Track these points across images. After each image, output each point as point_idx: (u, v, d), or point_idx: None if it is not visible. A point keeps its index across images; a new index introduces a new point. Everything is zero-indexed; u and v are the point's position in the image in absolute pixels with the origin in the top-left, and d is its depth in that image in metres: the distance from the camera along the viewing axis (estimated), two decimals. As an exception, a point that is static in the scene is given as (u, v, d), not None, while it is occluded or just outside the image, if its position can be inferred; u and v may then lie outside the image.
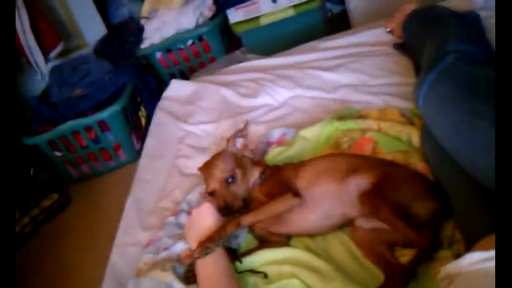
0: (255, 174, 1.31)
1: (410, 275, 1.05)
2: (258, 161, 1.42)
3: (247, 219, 1.19)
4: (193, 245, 1.19)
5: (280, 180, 1.28)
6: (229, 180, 1.23)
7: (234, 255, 1.23)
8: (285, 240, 1.27)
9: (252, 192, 1.28)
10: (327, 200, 1.21)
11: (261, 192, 1.28)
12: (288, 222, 1.24)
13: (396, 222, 1.10)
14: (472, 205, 1.12)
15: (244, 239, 1.32)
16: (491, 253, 0.77)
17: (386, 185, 1.17)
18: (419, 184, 1.21)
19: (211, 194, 1.26)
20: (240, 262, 1.20)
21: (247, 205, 1.25)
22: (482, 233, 0.94)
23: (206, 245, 1.12)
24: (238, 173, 1.25)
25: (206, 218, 1.20)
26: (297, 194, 1.22)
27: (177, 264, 1.27)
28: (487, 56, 1.30)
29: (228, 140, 1.35)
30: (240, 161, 1.30)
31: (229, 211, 1.21)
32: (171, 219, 1.44)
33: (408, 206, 1.12)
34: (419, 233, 1.07)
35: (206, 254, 1.12)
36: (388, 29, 1.93)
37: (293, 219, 1.23)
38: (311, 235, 1.26)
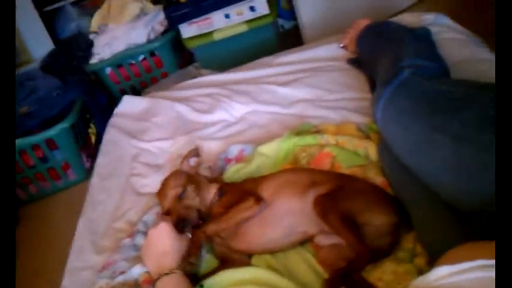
0: (211, 191, 1.31)
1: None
2: (215, 179, 1.42)
3: (212, 226, 1.19)
4: (152, 267, 1.14)
5: (241, 191, 1.28)
6: (181, 195, 1.25)
7: (194, 281, 1.18)
8: (246, 259, 1.25)
9: (211, 208, 1.28)
10: (288, 216, 1.20)
11: (221, 206, 1.26)
12: (248, 238, 1.22)
13: (341, 229, 1.10)
14: (432, 218, 1.13)
15: (204, 259, 1.28)
16: (458, 266, 0.76)
17: (341, 193, 1.17)
18: (375, 196, 1.22)
19: (167, 214, 1.25)
20: (201, 286, 1.16)
21: (204, 218, 1.25)
22: (443, 246, 0.94)
23: (188, 261, 1.13)
24: (190, 188, 1.27)
25: (164, 238, 1.16)
26: (259, 198, 1.21)
27: None
28: (441, 71, 1.33)
29: (182, 161, 1.41)
30: (193, 178, 1.32)
31: (184, 224, 1.21)
32: (127, 241, 1.38)
33: (360, 215, 1.12)
34: (360, 242, 1.08)
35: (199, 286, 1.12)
36: (341, 45, 1.95)
37: (253, 234, 1.21)
38: (271, 252, 1.24)
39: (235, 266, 1.20)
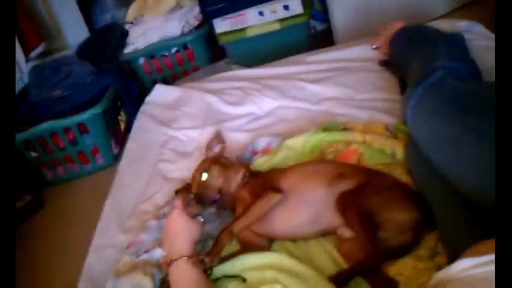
0: (239, 173, 1.34)
1: (393, 284, 1.06)
2: (243, 163, 1.44)
3: (239, 225, 1.19)
4: (167, 252, 1.18)
5: (264, 179, 1.30)
6: (204, 175, 1.29)
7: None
8: (267, 245, 1.27)
9: (238, 192, 1.30)
10: (314, 204, 1.21)
11: (245, 191, 1.29)
12: (272, 222, 1.23)
13: (356, 227, 1.12)
14: (455, 218, 1.13)
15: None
16: (482, 259, 0.77)
17: (365, 190, 1.18)
18: (400, 192, 1.22)
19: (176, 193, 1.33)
20: (211, 271, 1.17)
21: (224, 199, 1.29)
22: (465, 245, 0.95)
23: (203, 259, 1.12)
24: (214, 168, 1.31)
25: (174, 224, 1.19)
26: (277, 190, 1.23)
27: (156, 270, 1.25)
28: (473, 73, 1.34)
29: (206, 150, 1.44)
30: (218, 160, 1.36)
31: (201, 201, 1.27)
32: (154, 222, 1.41)
33: (382, 212, 1.13)
34: (371, 242, 1.09)
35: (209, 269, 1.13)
36: (374, 46, 1.96)
37: (278, 219, 1.23)
38: (294, 239, 1.26)
39: (255, 250, 1.22)
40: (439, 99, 1.21)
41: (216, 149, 1.44)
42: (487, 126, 1.05)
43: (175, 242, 1.16)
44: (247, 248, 1.25)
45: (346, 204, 1.16)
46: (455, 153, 1.11)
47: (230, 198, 1.30)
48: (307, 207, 1.21)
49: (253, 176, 1.36)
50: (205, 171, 1.31)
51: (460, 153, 1.10)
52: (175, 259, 1.11)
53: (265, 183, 1.27)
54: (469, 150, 1.07)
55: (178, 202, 1.24)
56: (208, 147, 1.45)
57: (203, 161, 1.39)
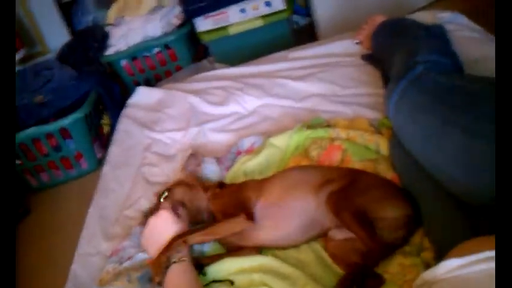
0: (202, 196, 1.31)
1: (381, 281, 1.05)
2: (209, 185, 1.38)
3: (195, 238, 1.16)
4: (155, 254, 1.14)
5: (236, 198, 1.26)
6: (164, 194, 1.28)
7: (198, 267, 1.18)
8: (254, 250, 1.25)
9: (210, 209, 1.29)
10: (304, 214, 1.19)
11: (214, 207, 1.27)
12: (260, 235, 1.21)
13: (353, 226, 1.10)
14: (441, 214, 1.13)
15: (209, 249, 1.29)
16: (466, 259, 0.76)
17: (353, 189, 1.17)
18: (388, 189, 1.21)
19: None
20: (204, 275, 1.16)
21: (192, 213, 1.26)
22: (452, 240, 0.94)
23: (156, 271, 1.09)
24: (177, 189, 1.30)
25: (166, 225, 1.17)
26: (250, 216, 1.19)
27: (140, 274, 1.22)
28: (455, 66, 1.33)
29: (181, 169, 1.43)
30: (184, 182, 1.34)
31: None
32: (138, 228, 1.38)
33: (373, 209, 1.12)
34: (372, 239, 1.08)
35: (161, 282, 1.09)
36: (356, 41, 1.95)
37: (266, 230, 1.21)
38: (283, 247, 1.23)
39: (242, 254, 1.21)
40: (421, 94, 1.20)
41: (190, 168, 1.44)
42: (469, 120, 1.04)
43: (160, 243, 1.14)
44: (233, 252, 1.24)
45: (337, 204, 1.14)
46: (438, 148, 1.11)
47: (197, 214, 1.27)
48: (298, 217, 1.19)
49: (226, 187, 1.34)
50: (168, 190, 1.29)
51: (443, 148, 1.09)
52: (174, 262, 1.09)
53: (239, 201, 1.24)
54: (451, 145, 1.06)
55: (166, 203, 1.22)
56: (183, 168, 1.44)
57: (173, 182, 1.37)
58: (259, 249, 1.24)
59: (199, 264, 1.18)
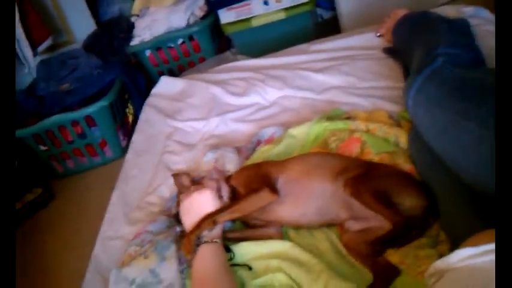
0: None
1: (396, 272, 1.07)
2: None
3: (223, 216, 1.18)
4: (188, 229, 1.17)
5: (259, 171, 1.29)
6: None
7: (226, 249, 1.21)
8: (276, 229, 1.27)
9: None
10: (321, 198, 1.21)
11: (237, 182, 1.28)
12: (279, 212, 1.23)
13: (375, 205, 1.11)
14: (457, 207, 1.13)
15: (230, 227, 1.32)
16: (480, 249, 0.77)
17: (371, 175, 1.19)
18: (406, 179, 1.23)
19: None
20: (232, 255, 1.19)
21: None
22: (467, 233, 0.95)
23: (186, 248, 1.12)
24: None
25: (207, 204, 1.19)
26: (274, 189, 1.21)
27: (154, 248, 1.25)
28: (476, 60, 1.32)
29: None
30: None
31: None
32: (163, 218, 1.41)
33: (391, 193, 1.13)
34: (396, 213, 1.09)
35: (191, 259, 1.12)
36: (378, 34, 1.95)
37: (285, 207, 1.23)
38: (300, 227, 1.26)
39: (265, 234, 1.24)
40: (440, 87, 1.20)
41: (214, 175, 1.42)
42: (486, 114, 1.04)
43: (197, 218, 1.17)
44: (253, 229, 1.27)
45: (357, 187, 1.16)
46: (454, 140, 1.11)
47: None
48: (315, 199, 1.22)
49: (244, 167, 1.37)
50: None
51: (459, 140, 1.09)
52: (206, 241, 1.13)
53: (261, 176, 1.26)
54: (467, 137, 1.06)
55: (213, 183, 1.25)
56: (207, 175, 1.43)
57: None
58: (281, 228, 1.27)
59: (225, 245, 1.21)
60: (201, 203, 1.20)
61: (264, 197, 1.19)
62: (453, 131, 1.11)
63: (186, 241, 1.13)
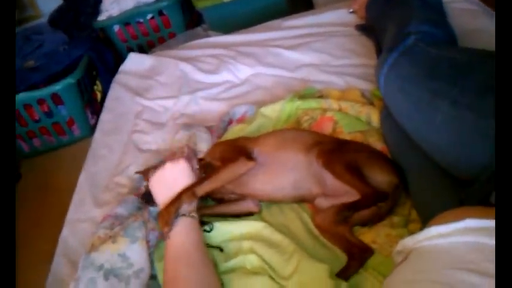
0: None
1: (369, 252, 1.07)
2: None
3: (203, 187, 1.14)
4: (163, 202, 1.13)
5: (234, 145, 1.27)
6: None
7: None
8: (252, 203, 1.26)
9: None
10: (295, 170, 1.20)
11: (213, 156, 1.26)
12: (253, 183, 1.22)
13: (346, 176, 1.10)
14: (428, 186, 1.14)
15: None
16: (449, 227, 0.77)
17: (343, 148, 1.19)
18: (378, 156, 1.22)
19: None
20: (211, 228, 1.17)
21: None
22: (438, 212, 0.95)
23: (164, 222, 1.08)
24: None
25: (183, 175, 1.16)
26: (250, 157, 1.20)
27: (123, 231, 1.22)
28: (448, 38, 1.31)
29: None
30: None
31: None
32: (132, 198, 1.37)
33: (362, 166, 1.13)
34: (366, 184, 1.09)
35: (168, 232, 1.08)
36: (351, 10, 1.93)
37: (259, 180, 1.22)
38: (273, 201, 1.25)
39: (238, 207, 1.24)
40: (412, 65, 1.19)
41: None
42: (456, 92, 1.03)
43: (173, 191, 1.13)
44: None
45: (329, 157, 1.15)
46: (427, 120, 1.10)
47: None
48: (289, 171, 1.21)
49: (219, 142, 1.35)
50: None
51: (432, 120, 1.08)
52: (183, 215, 1.09)
53: (236, 149, 1.24)
54: (440, 117, 1.06)
55: (189, 150, 1.21)
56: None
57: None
58: (259, 203, 1.26)
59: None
60: (175, 174, 1.16)
61: (241, 164, 1.18)
62: (425, 110, 1.10)
63: (165, 213, 1.08)
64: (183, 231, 1.08)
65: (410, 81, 1.17)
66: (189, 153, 1.23)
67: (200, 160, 1.28)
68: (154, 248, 1.19)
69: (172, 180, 1.16)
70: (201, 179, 1.17)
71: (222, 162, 1.20)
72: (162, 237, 1.14)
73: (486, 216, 0.75)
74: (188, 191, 1.12)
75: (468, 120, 0.99)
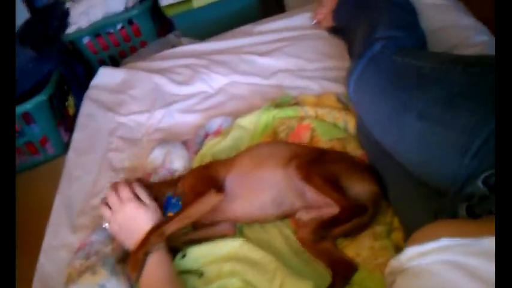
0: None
1: (353, 268, 1.04)
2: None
3: (171, 226, 1.09)
4: (132, 245, 1.09)
5: (205, 175, 1.22)
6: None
7: (174, 252, 1.15)
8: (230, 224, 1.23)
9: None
10: (275, 187, 1.17)
11: (185, 187, 1.21)
12: (232, 206, 1.18)
13: (323, 187, 1.08)
14: (405, 193, 1.13)
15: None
16: (426, 247, 0.76)
17: (322, 160, 1.17)
18: (356, 164, 1.20)
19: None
20: (184, 256, 1.14)
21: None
22: (416, 221, 0.94)
23: (134, 268, 1.04)
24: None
25: (136, 217, 1.11)
26: (220, 189, 1.16)
27: (102, 263, 1.18)
28: (416, 42, 1.29)
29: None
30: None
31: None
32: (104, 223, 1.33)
33: (341, 178, 1.10)
34: (344, 197, 1.06)
35: (137, 278, 1.05)
36: (314, 21, 1.89)
37: (238, 202, 1.18)
38: (255, 221, 1.22)
39: (218, 231, 1.20)
40: (378, 75, 1.17)
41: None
42: (422, 104, 1.01)
43: (137, 234, 1.09)
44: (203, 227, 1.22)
45: (307, 170, 1.12)
46: (395, 132, 1.09)
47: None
48: (269, 189, 1.17)
49: (194, 168, 1.31)
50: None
51: (400, 132, 1.07)
52: (149, 251, 1.05)
53: (207, 178, 1.20)
54: (408, 131, 1.04)
55: (127, 192, 1.14)
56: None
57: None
58: (235, 224, 1.23)
59: (174, 248, 1.15)
60: (132, 217, 1.11)
61: (210, 199, 1.13)
62: (394, 121, 1.09)
63: (133, 260, 1.04)
64: (151, 270, 1.05)
65: (377, 92, 1.15)
66: (127, 191, 1.15)
67: (178, 179, 1.25)
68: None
69: (130, 225, 1.11)
70: (169, 218, 1.12)
71: (193, 194, 1.15)
72: (132, 281, 1.10)
73: (459, 233, 0.74)
74: (155, 231, 1.07)
75: (435, 133, 0.98)
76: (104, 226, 1.20)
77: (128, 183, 1.16)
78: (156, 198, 1.18)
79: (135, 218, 1.11)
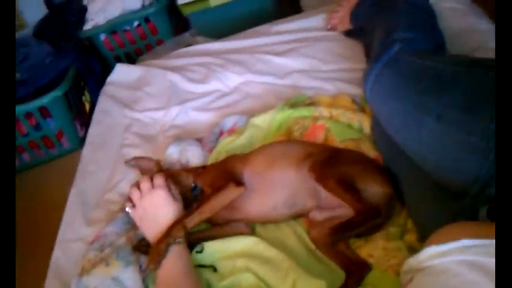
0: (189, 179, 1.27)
1: (367, 268, 1.04)
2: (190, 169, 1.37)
3: (193, 219, 1.11)
4: (154, 238, 1.11)
5: (224, 168, 1.24)
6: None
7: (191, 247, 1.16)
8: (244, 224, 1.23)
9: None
10: (288, 187, 1.17)
11: (203, 183, 1.23)
12: (245, 206, 1.19)
13: (338, 190, 1.08)
14: (421, 195, 1.12)
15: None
16: (446, 246, 0.76)
17: (335, 160, 1.16)
18: (370, 165, 1.20)
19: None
20: (201, 249, 1.15)
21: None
22: (432, 223, 0.94)
23: (154, 260, 1.05)
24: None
25: (162, 206, 1.13)
26: (239, 183, 1.17)
27: (116, 254, 1.19)
28: (435, 45, 1.29)
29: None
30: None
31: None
32: (120, 214, 1.35)
33: (355, 180, 1.10)
34: (359, 200, 1.06)
35: (155, 269, 1.06)
36: (329, 27, 1.89)
37: (252, 202, 1.19)
38: (268, 222, 1.22)
39: (233, 229, 1.21)
40: (396, 77, 1.17)
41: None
42: (442, 107, 1.01)
43: (160, 224, 1.11)
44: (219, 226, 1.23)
45: (321, 172, 1.12)
46: (413, 134, 1.09)
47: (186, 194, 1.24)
48: (282, 189, 1.18)
49: (210, 165, 1.32)
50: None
51: (418, 134, 1.07)
52: (170, 243, 1.07)
53: (225, 173, 1.21)
54: (426, 132, 1.04)
55: (161, 180, 1.16)
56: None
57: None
58: (250, 224, 1.23)
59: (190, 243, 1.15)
60: (157, 205, 1.13)
61: (230, 191, 1.15)
62: (412, 125, 1.08)
63: (155, 251, 1.06)
64: (170, 262, 1.06)
65: (395, 94, 1.15)
66: (162, 180, 1.17)
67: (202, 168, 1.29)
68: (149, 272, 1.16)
69: (155, 213, 1.13)
70: (191, 211, 1.13)
71: (212, 189, 1.17)
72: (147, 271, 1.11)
73: (479, 234, 0.74)
74: (178, 224, 1.09)
75: (455, 137, 0.97)
76: (126, 209, 1.22)
77: (164, 174, 1.19)
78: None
79: (162, 206, 1.13)
